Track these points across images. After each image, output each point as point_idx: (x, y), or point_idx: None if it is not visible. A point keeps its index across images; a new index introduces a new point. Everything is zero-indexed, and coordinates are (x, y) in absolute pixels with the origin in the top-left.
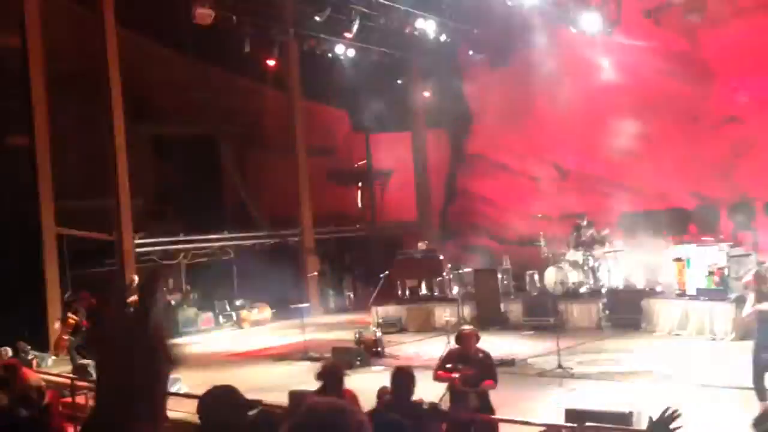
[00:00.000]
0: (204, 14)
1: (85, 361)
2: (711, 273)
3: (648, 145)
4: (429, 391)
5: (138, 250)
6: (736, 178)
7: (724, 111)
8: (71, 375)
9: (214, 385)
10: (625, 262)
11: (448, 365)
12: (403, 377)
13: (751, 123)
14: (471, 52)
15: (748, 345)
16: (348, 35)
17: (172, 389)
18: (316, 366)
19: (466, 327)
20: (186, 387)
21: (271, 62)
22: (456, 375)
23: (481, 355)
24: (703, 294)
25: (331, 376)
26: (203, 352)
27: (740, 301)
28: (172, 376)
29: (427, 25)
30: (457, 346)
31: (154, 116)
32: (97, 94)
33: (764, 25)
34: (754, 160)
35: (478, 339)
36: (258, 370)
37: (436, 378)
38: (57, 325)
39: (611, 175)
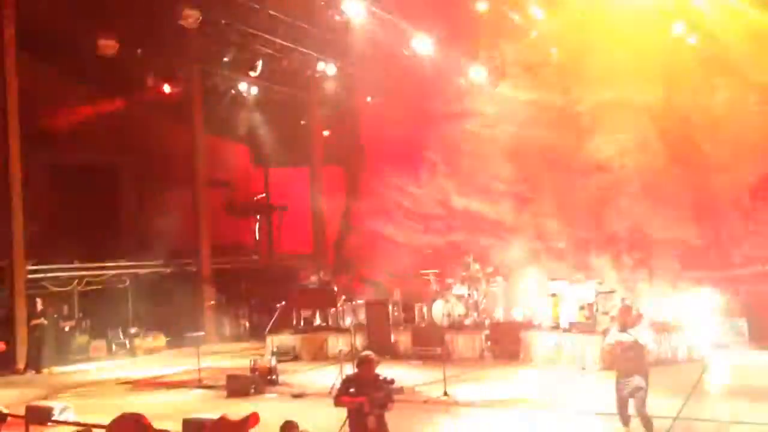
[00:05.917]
0: (107, 45)
1: None
2: (582, 308)
3: (528, 188)
4: (325, 416)
5: (30, 276)
6: (605, 221)
7: (593, 160)
8: None
9: (122, 412)
10: (506, 296)
11: (351, 390)
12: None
13: (616, 173)
14: (368, 96)
15: (613, 374)
16: (252, 74)
17: (61, 417)
18: (210, 393)
19: (369, 353)
20: (75, 416)
21: (167, 89)
22: (361, 399)
23: (381, 378)
24: (574, 327)
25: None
26: (95, 380)
27: (606, 334)
28: (61, 404)
29: (327, 68)
30: (356, 371)
31: (52, 144)
32: None
33: (629, 85)
34: (619, 206)
35: (378, 364)
36: (151, 398)
37: (339, 403)
38: None
39: (495, 215)
